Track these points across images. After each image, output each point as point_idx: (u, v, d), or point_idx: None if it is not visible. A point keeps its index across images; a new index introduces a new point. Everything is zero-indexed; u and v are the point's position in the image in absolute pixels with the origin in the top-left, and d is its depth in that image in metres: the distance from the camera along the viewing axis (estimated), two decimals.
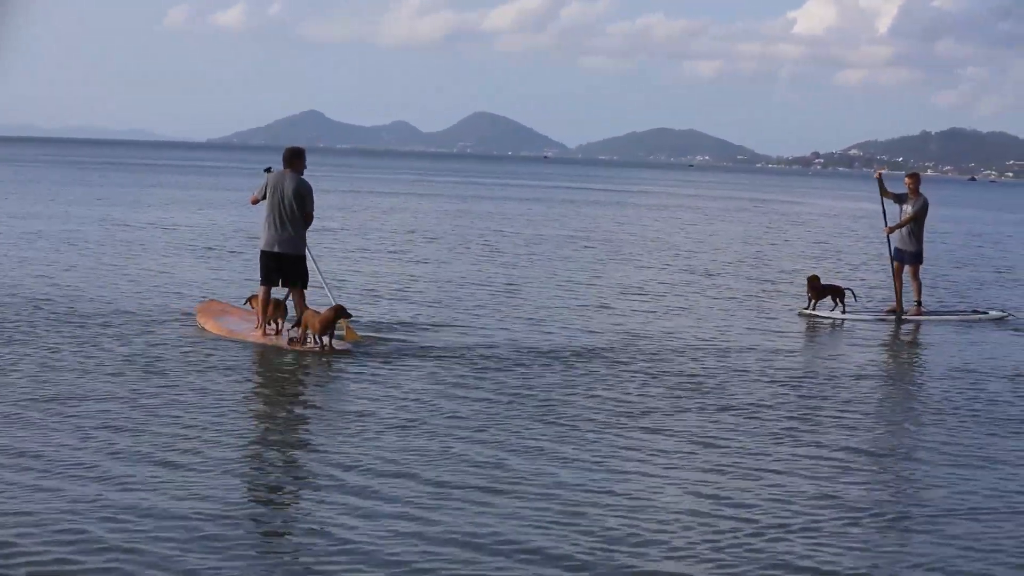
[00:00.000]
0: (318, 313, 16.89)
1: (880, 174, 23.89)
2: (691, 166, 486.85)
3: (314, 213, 17.76)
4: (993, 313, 23.85)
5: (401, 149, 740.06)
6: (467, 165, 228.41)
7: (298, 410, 13.69)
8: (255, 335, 17.54)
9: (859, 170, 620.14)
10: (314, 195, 17.69)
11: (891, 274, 23.66)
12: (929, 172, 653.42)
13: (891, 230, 23.51)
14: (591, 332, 19.69)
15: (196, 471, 10.65)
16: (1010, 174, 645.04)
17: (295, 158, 17.74)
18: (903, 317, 23.03)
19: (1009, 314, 23.79)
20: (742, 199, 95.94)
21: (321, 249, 18.16)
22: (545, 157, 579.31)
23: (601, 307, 23.05)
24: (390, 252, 32.57)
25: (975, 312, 23.94)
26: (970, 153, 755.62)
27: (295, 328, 17.41)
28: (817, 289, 22.98)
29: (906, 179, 23.81)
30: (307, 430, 12.69)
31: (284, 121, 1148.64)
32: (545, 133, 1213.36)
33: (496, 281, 26.51)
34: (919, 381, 17.17)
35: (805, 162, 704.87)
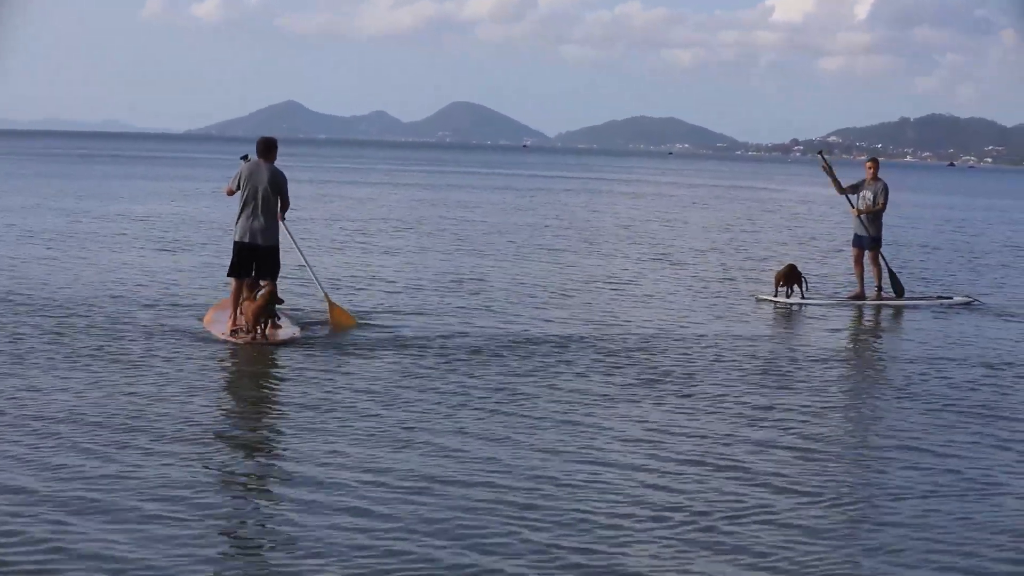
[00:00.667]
0: (253, 302, 16.81)
1: (822, 155, 23.97)
2: (670, 154, 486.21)
3: (289, 202, 17.65)
4: (958, 298, 23.79)
5: (380, 139, 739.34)
6: (445, 155, 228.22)
7: (261, 402, 13.60)
8: (227, 330, 17.28)
9: (838, 157, 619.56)
10: (287, 184, 17.57)
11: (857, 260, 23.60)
12: (908, 158, 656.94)
13: (860, 212, 23.45)
14: (555, 321, 19.59)
15: (151, 466, 10.54)
16: (989, 160, 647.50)
17: (270, 148, 17.60)
18: (865, 303, 23.02)
19: (974, 299, 23.73)
20: (719, 186, 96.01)
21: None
22: (524, 146, 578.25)
23: (565, 296, 22.96)
24: (357, 243, 32.44)
25: (939, 297, 23.88)
26: (949, 139, 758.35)
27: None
28: (787, 276, 22.94)
29: (867, 164, 23.88)
30: (269, 423, 12.63)
31: (263, 112, 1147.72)
32: (524, 122, 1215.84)
33: (462, 270, 26.42)
34: (878, 366, 17.16)
35: (784, 149, 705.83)
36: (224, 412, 13.01)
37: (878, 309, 22.64)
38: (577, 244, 34.88)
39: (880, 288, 23.55)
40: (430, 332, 17.93)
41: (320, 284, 18.44)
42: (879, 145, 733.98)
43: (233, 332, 17.03)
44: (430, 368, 15.29)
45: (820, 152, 24.12)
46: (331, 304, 18.24)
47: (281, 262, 17.66)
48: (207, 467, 10.65)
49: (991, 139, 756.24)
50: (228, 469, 10.71)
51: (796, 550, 8.96)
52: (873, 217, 23.37)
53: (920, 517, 9.83)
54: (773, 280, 23.19)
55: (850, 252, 23.99)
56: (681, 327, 19.44)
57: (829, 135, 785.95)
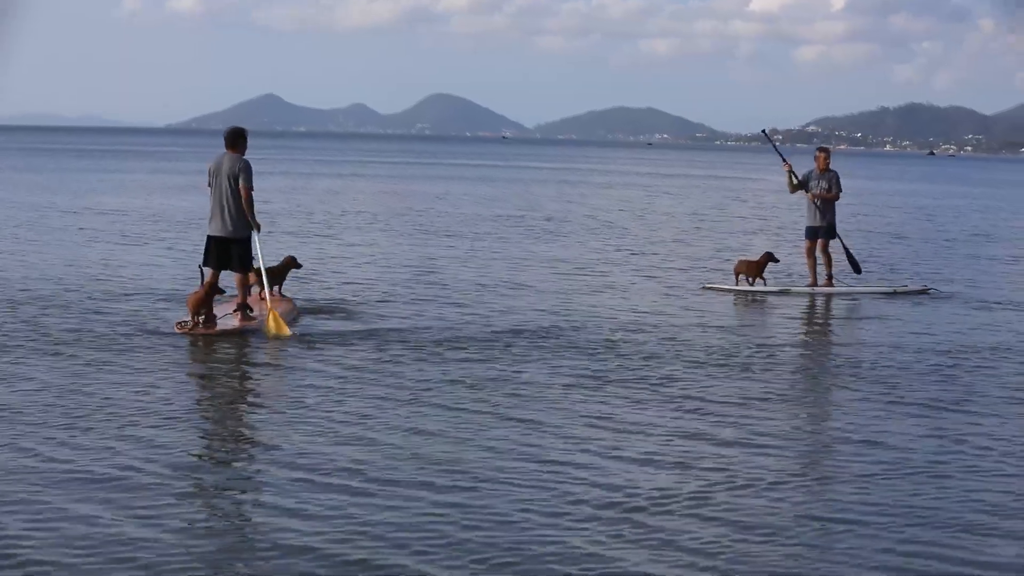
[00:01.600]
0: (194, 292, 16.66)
1: (789, 166, 23.81)
2: (650, 144, 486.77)
3: (252, 190, 17.21)
4: (913, 287, 23.49)
5: (359, 131, 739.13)
6: (423, 146, 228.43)
7: (220, 396, 13.47)
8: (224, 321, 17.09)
9: (817, 146, 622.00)
10: (251, 172, 17.19)
11: (833, 248, 23.50)
12: (888, 147, 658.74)
13: (815, 196, 23.27)
14: (510, 312, 19.35)
15: (117, 462, 10.37)
16: (969, 148, 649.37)
17: (237, 139, 17.33)
18: (817, 292, 22.87)
19: (931, 288, 23.47)
20: (695, 176, 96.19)
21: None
22: (503, 137, 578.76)
23: (522, 287, 22.67)
24: (323, 235, 32.17)
25: (895, 287, 23.45)
26: (929, 128, 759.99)
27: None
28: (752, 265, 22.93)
29: (817, 152, 23.86)
30: (232, 416, 12.61)
31: (242, 105, 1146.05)
32: (503, 113, 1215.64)
33: (424, 262, 26.18)
34: (826, 354, 17.02)
35: (764, 139, 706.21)
36: (193, 406, 12.93)
37: (829, 298, 22.50)
38: (541, 234, 34.67)
39: (831, 277, 23.31)
40: (392, 324, 17.76)
41: (265, 282, 17.77)
42: (859, 134, 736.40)
43: (179, 324, 16.81)
44: (383, 361, 15.07)
45: (788, 167, 23.90)
46: (271, 310, 17.63)
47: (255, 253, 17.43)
48: (169, 462, 10.43)
49: (971, 128, 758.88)
50: (195, 465, 10.58)
51: (740, 542, 8.76)
52: (826, 207, 23.18)
53: (864, 505, 9.68)
54: (743, 270, 23.08)
55: (803, 244, 23.83)
56: (633, 317, 19.21)
57: (808, 124, 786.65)
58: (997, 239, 38.50)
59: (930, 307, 21.51)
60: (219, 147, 17.54)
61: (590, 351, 16.07)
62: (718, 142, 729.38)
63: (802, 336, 18.63)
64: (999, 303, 22.19)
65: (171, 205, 42.31)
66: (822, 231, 23.23)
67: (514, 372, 14.58)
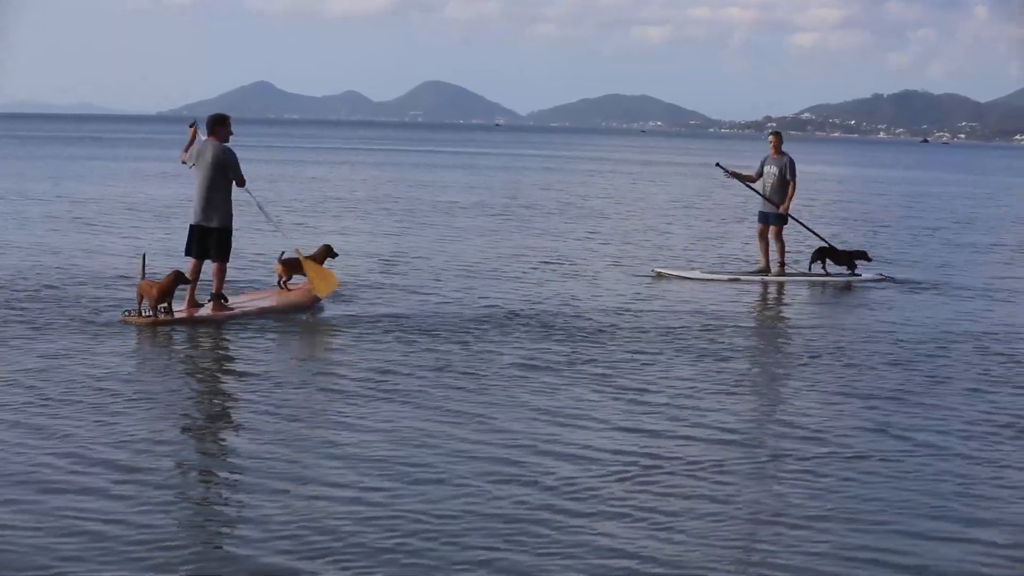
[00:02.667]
0: (155, 283, 16.32)
1: (718, 164, 24.09)
2: (643, 132, 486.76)
3: (244, 178, 17.11)
4: (867, 276, 23.17)
5: (352, 119, 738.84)
6: (415, 133, 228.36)
7: (206, 380, 13.45)
8: (190, 312, 16.81)
9: (811, 134, 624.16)
10: (238, 160, 17.04)
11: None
12: (882, 135, 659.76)
13: (732, 173, 23.63)
14: (475, 299, 19.25)
15: (111, 445, 10.45)
16: (962, 135, 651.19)
17: (218, 125, 17.13)
18: (767, 278, 22.76)
19: (886, 277, 23.28)
20: (685, 163, 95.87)
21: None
22: (496, 124, 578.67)
23: (488, 274, 22.51)
24: (297, 223, 31.82)
25: (851, 274, 23.14)
26: (923, 115, 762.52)
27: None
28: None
29: (769, 137, 23.93)
30: (206, 402, 12.56)
31: (235, 93, 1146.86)
32: (496, 100, 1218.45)
33: (399, 248, 26.04)
34: (771, 340, 17.10)
35: (758, 126, 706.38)
36: (190, 393, 12.78)
37: (780, 285, 22.39)
38: (517, 222, 34.49)
39: (783, 264, 23.19)
40: (357, 311, 17.73)
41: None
42: (852, 122, 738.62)
43: (126, 313, 16.52)
44: (349, 345, 15.18)
45: (718, 164, 23.86)
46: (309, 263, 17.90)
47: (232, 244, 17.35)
48: (164, 452, 10.41)
49: (965, 115, 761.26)
50: (188, 452, 10.62)
51: (693, 523, 8.89)
52: (776, 193, 23.00)
53: (813, 489, 9.80)
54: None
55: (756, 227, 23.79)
56: (586, 303, 19.19)
57: (802, 112, 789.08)
58: (977, 226, 38.33)
59: (885, 294, 21.47)
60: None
61: (535, 338, 16.00)
62: (712, 129, 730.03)
63: (747, 321, 18.41)
64: (962, 290, 22.11)
65: (142, 193, 41.88)
66: (772, 217, 23.10)
67: (462, 359, 14.48)
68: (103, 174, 54.00)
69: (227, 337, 15.63)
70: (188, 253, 17.12)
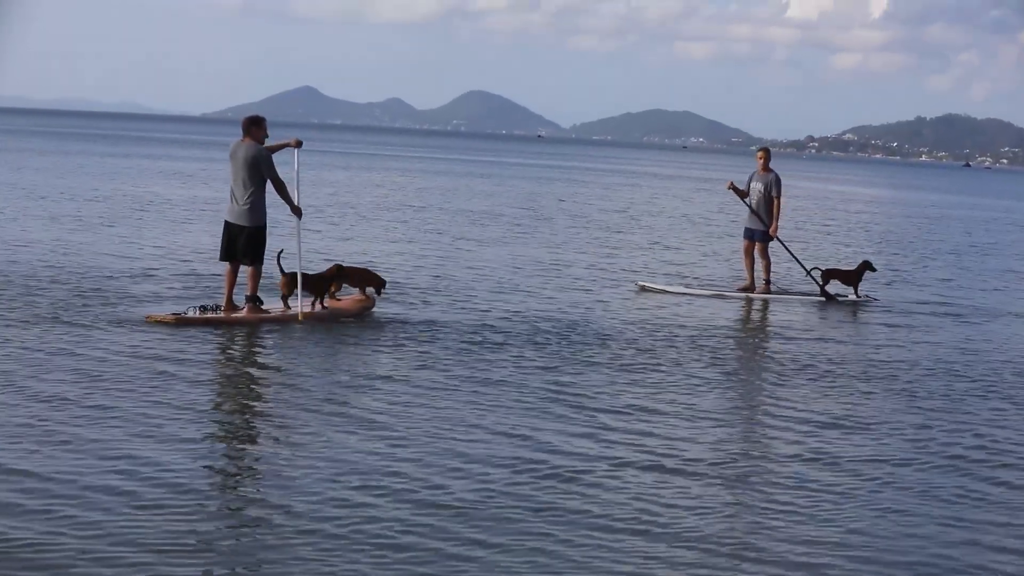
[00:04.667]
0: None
1: (731, 184, 23.44)
2: (685, 147, 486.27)
3: (280, 179, 17.01)
4: (852, 296, 22.81)
5: (394, 126, 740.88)
6: (455, 142, 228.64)
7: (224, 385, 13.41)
8: (227, 313, 16.84)
9: (853, 155, 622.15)
10: (272, 162, 16.94)
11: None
12: (924, 158, 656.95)
13: (731, 185, 23.32)
14: (461, 305, 19.34)
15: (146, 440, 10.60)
16: (1005, 160, 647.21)
17: (252, 126, 17.14)
18: (751, 295, 22.56)
19: (869, 297, 22.98)
20: (714, 179, 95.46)
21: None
22: (539, 136, 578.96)
23: (477, 281, 22.40)
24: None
25: (836, 294, 22.73)
26: (965, 139, 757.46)
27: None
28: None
29: (758, 153, 23.56)
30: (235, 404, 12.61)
31: (278, 97, 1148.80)
32: (539, 112, 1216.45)
33: (390, 253, 25.92)
34: (758, 354, 17.07)
35: (800, 146, 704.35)
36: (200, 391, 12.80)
37: (765, 303, 22.23)
38: (521, 232, 34.39)
39: (769, 282, 22.96)
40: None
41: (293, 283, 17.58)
42: (895, 144, 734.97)
43: (204, 308, 16.75)
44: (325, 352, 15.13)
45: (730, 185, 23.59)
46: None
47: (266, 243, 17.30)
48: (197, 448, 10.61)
49: (1008, 140, 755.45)
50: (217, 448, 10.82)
51: (679, 524, 9.10)
52: (765, 210, 22.70)
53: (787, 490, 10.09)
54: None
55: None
56: (570, 315, 19.04)
57: (844, 132, 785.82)
58: (994, 253, 37.93)
59: (865, 315, 21.42)
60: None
61: (522, 345, 16.11)
62: (753, 147, 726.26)
63: (731, 337, 18.34)
64: (948, 315, 21.86)
65: (160, 193, 41.93)
66: (757, 234, 22.82)
67: (439, 371, 14.38)
68: (135, 171, 54.18)
69: (262, 339, 15.81)
70: (223, 258, 17.18)
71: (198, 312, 16.54)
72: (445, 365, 14.53)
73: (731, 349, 17.05)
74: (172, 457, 10.05)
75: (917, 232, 45.83)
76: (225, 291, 17.05)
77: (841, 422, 12.75)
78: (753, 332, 19.58)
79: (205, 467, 9.96)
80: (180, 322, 16.09)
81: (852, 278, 22.89)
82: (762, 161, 23.23)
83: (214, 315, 16.52)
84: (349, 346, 15.63)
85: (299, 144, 17.61)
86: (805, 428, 12.40)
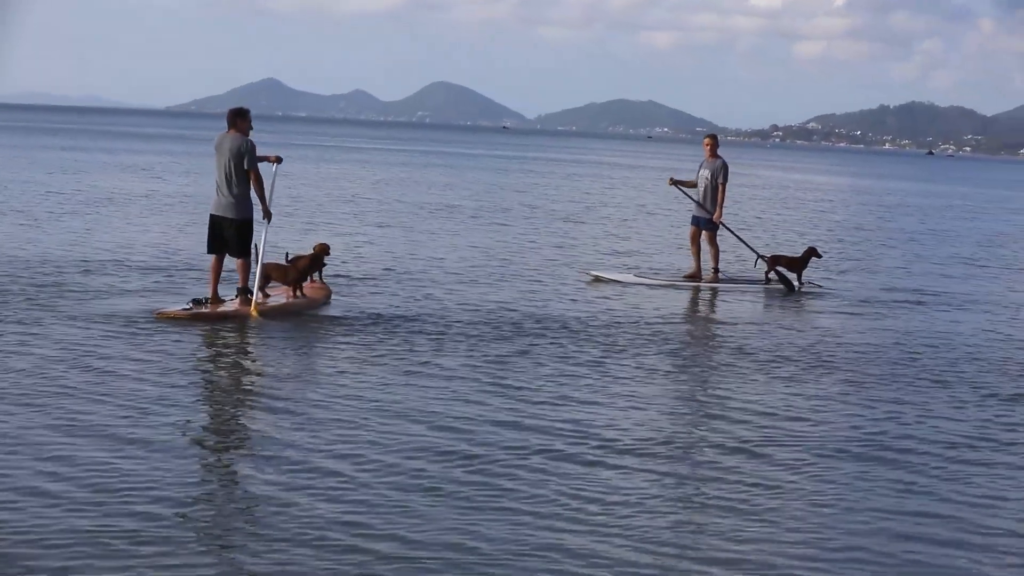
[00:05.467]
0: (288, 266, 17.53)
1: (672, 180, 23.69)
2: (650, 138, 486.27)
3: (259, 173, 16.99)
4: (796, 284, 22.81)
5: (359, 118, 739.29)
6: (419, 133, 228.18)
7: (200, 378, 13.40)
8: (213, 307, 16.78)
9: (817, 143, 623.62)
10: (255, 154, 16.96)
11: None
12: (887, 146, 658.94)
13: (673, 181, 23.59)
14: (408, 296, 19.21)
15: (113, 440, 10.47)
16: (968, 148, 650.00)
17: (238, 118, 17.20)
18: (699, 284, 22.63)
19: (813, 284, 23.05)
20: (675, 168, 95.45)
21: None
22: (504, 127, 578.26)
23: (428, 272, 22.29)
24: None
25: (781, 280, 22.84)
26: (928, 127, 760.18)
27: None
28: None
29: (705, 140, 23.48)
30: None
31: (242, 89, 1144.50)
32: (504, 103, 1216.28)
33: (344, 246, 25.58)
34: (704, 344, 17.02)
35: (764, 135, 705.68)
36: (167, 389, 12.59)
37: (713, 291, 22.25)
38: (476, 223, 34.35)
39: (717, 270, 22.99)
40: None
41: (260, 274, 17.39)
42: (859, 132, 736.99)
43: (197, 303, 16.74)
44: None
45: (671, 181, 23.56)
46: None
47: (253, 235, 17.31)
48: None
49: (971, 128, 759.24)
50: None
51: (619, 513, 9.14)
52: (712, 198, 22.69)
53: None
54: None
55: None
56: (520, 306, 18.98)
57: (808, 121, 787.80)
58: (949, 240, 37.98)
59: (813, 303, 21.46)
60: (219, 129, 17.35)
61: (450, 339, 15.85)
62: (718, 137, 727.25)
63: (676, 324, 18.39)
64: (897, 303, 21.85)
65: (118, 187, 41.69)
66: (704, 221, 22.84)
67: (393, 360, 14.32)
68: (95, 166, 53.89)
69: (253, 332, 15.80)
70: (210, 251, 17.14)
71: (192, 306, 16.51)
72: (390, 358, 14.44)
73: (678, 339, 16.98)
74: (98, 453, 9.96)
75: (873, 220, 46.01)
76: (211, 284, 17.08)
77: (785, 412, 12.73)
78: (700, 321, 19.60)
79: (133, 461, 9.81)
80: (195, 318, 16.14)
81: (797, 264, 22.88)
82: (709, 148, 23.19)
83: (205, 309, 16.50)
84: (292, 339, 15.52)
85: (279, 160, 17.58)
86: (749, 418, 12.38)
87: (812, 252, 23.16)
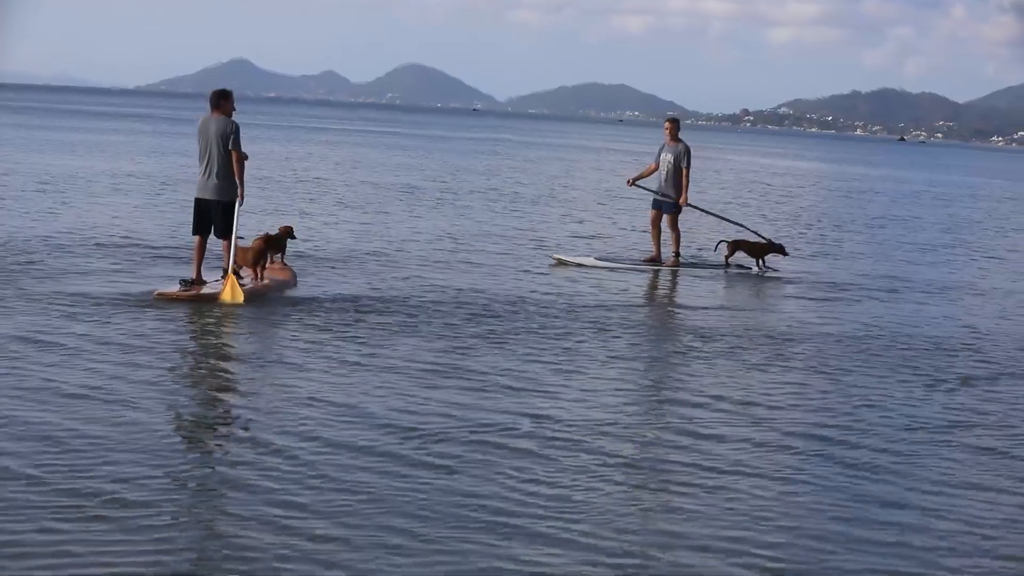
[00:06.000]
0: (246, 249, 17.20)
1: (631, 182, 23.73)
2: (621, 121, 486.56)
3: (242, 155, 16.95)
4: (755, 269, 22.96)
5: (329, 99, 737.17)
6: (389, 115, 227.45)
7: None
8: (196, 289, 16.72)
9: (788, 128, 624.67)
10: (240, 135, 16.95)
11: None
12: (859, 132, 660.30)
13: (633, 182, 23.62)
14: (367, 282, 19.01)
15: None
16: (939, 135, 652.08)
17: (222, 99, 17.07)
18: (660, 267, 22.59)
19: (771, 268, 23.09)
20: (642, 152, 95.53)
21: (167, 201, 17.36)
22: (474, 109, 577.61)
23: (391, 257, 22.25)
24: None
25: (740, 266, 23.08)
26: (900, 113, 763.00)
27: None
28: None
29: (666, 124, 23.39)
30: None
31: (212, 69, 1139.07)
32: (475, 85, 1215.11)
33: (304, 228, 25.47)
34: (664, 328, 17.08)
35: (735, 120, 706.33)
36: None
37: (673, 275, 22.22)
38: (437, 205, 34.27)
39: (678, 254, 22.97)
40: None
41: (233, 257, 17.17)
42: (830, 118, 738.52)
43: (185, 284, 16.76)
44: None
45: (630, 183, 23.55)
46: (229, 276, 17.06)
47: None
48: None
49: (943, 114, 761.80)
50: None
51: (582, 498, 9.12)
52: (674, 182, 22.63)
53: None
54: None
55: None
56: (485, 290, 18.83)
57: (780, 106, 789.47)
58: (914, 226, 38.08)
59: (774, 288, 21.49)
60: (195, 110, 17.21)
61: (416, 326, 15.65)
62: (689, 121, 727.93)
63: (634, 309, 18.34)
64: (857, 288, 21.90)
65: (82, 167, 41.45)
66: (666, 205, 22.78)
67: (356, 346, 14.25)
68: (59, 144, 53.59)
69: (214, 314, 15.68)
70: (194, 232, 17.13)
71: (180, 288, 16.53)
72: (343, 342, 14.29)
73: (637, 323, 16.92)
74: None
75: (839, 205, 46.07)
76: (194, 265, 17.08)
77: (743, 396, 12.73)
78: (660, 306, 19.56)
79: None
80: (195, 298, 16.19)
81: (758, 251, 22.96)
82: (670, 131, 23.11)
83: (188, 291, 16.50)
84: (253, 320, 15.42)
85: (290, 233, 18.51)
86: (706, 401, 12.40)
87: (778, 250, 23.18)
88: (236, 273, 16.89)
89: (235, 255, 16.91)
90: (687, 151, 22.80)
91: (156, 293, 16.26)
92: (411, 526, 8.31)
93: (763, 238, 23.71)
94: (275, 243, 18.30)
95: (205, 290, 16.65)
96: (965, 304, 20.95)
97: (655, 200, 22.99)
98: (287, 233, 18.69)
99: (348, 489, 8.98)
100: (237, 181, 16.88)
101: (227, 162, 16.79)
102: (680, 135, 23.16)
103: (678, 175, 22.69)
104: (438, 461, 9.76)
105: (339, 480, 9.18)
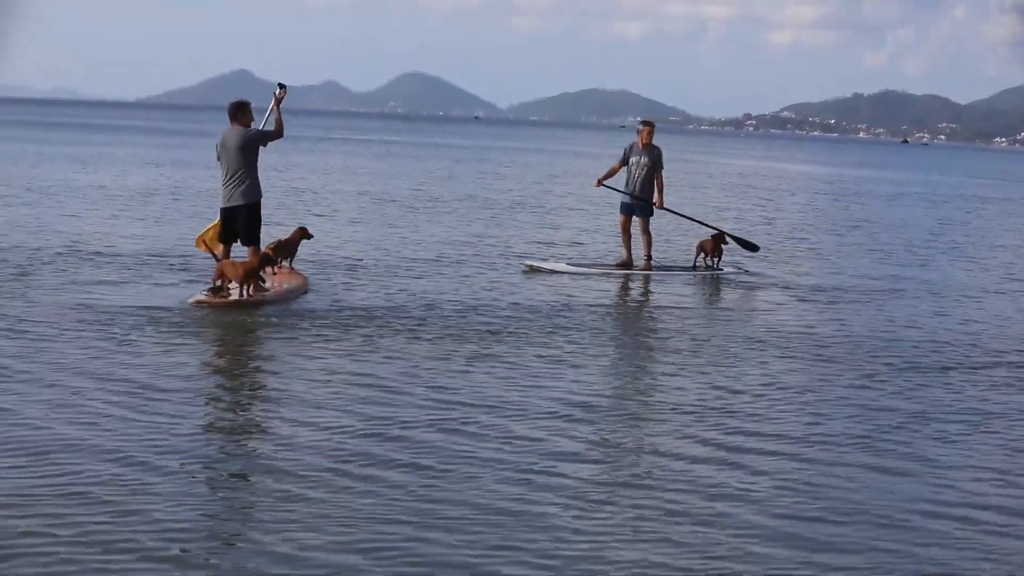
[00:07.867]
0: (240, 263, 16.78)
1: (599, 183, 23.22)
2: (622, 127, 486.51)
3: (271, 132, 17.33)
4: (729, 270, 22.90)
5: (331, 109, 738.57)
6: (390, 124, 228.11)
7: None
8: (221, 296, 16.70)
9: (791, 132, 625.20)
10: (259, 134, 17.16)
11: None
12: (861, 134, 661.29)
13: (600, 182, 23.11)
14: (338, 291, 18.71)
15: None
16: (943, 137, 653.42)
17: (239, 112, 17.22)
18: (631, 272, 22.31)
19: (746, 270, 23.05)
20: None
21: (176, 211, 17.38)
22: (476, 117, 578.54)
23: (362, 265, 21.96)
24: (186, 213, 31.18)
25: (708, 268, 22.89)
26: (903, 115, 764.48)
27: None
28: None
29: (640, 127, 23.29)
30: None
31: (214, 81, 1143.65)
32: (476, 93, 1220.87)
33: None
34: (635, 333, 16.89)
35: (738, 124, 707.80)
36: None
37: (645, 279, 21.97)
38: (417, 213, 33.91)
39: (650, 258, 22.71)
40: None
41: (223, 269, 17.13)
42: (833, 121, 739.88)
43: (213, 290, 16.73)
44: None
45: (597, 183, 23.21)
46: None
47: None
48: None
49: (945, 116, 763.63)
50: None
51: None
52: (645, 185, 22.39)
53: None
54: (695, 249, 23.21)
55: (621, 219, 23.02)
56: (461, 298, 18.65)
57: (782, 110, 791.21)
58: (906, 228, 37.80)
59: (749, 291, 21.29)
60: (196, 122, 17.09)
61: (389, 334, 15.42)
62: (691, 126, 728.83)
63: (616, 315, 18.36)
64: (826, 290, 21.65)
65: (70, 178, 41.22)
66: (637, 209, 22.49)
67: (328, 358, 13.93)
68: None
69: (261, 320, 15.73)
70: (221, 241, 17.23)
71: (206, 295, 16.52)
72: (312, 350, 14.14)
73: (610, 330, 16.75)
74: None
75: (833, 208, 45.99)
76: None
77: (717, 400, 12.63)
78: (634, 309, 19.48)
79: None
80: (231, 306, 16.21)
81: (709, 248, 22.92)
82: (647, 135, 22.78)
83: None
84: (233, 332, 15.19)
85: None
86: (678, 402, 12.38)
87: (720, 239, 23.10)
88: (220, 288, 16.70)
89: (225, 268, 16.74)
90: (660, 155, 22.70)
91: (191, 300, 16.36)
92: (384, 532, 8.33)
93: (730, 235, 23.62)
94: (285, 248, 18.40)
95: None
96: (949, 303, 20.85)
97: (623, 204, 22.75)
98: (300, 236, 18.72)
99: (330, 501, 8.91)
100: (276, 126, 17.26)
101: (248, 168, 16.81)
102: (664, 139, 22.89)
103: (652, 178, 22.39)
104: (412, 460, 9.85)
105: (331, 484, 9.26)
